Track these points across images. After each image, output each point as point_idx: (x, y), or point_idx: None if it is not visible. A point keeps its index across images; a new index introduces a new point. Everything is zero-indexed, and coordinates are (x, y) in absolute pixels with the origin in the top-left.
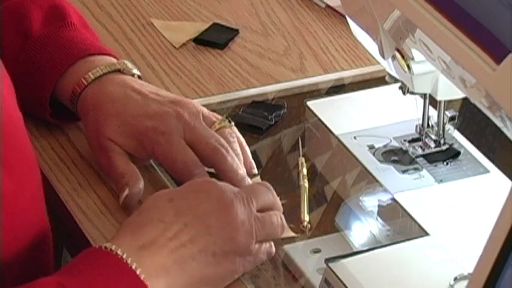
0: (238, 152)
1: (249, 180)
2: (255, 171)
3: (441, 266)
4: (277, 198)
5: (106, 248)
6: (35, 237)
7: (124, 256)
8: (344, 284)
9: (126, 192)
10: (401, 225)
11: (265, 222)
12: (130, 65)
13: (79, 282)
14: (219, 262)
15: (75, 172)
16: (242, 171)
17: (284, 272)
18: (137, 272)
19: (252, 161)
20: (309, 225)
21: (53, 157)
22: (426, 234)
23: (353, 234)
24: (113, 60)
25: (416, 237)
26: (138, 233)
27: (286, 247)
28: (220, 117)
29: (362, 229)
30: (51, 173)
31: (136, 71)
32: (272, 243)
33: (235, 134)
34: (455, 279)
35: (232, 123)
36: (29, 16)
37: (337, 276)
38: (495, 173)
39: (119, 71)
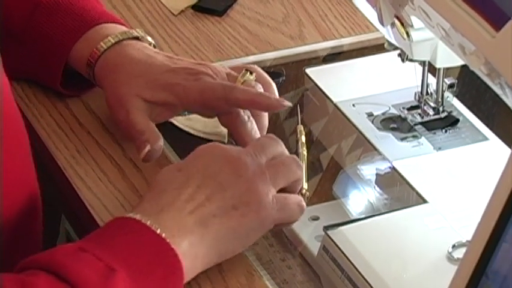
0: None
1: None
2: (287, 103)
3: (439, 233)
4: (285, 149)
5: (126, 217)
6: (26, 207)
7: (144, 220)
8: (342, 251)
9: (148, 148)
10: (399, 192)
11: (277, 167)
12: (145, 33)
13: (101, 247)
14: (243, 213)
15: (73, 139)
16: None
17: (283, 240)
18: (158, 232)
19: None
20: (308, 193)
21: (51, 124)
22: (425, 201)
23: (351, 202)
24: (127, 28)
25: (414, 205)
26: (154, 202)
27: None
28: (238, 71)
29: (360, 197)
30: (49, 140)
31: (151, 40)
32: (302, 199)
33: (259, 85)
34: (453, 246)
35: (254, 74)
36: None
37: (335, 244)
38: (494, 140)
39: (137, 38)
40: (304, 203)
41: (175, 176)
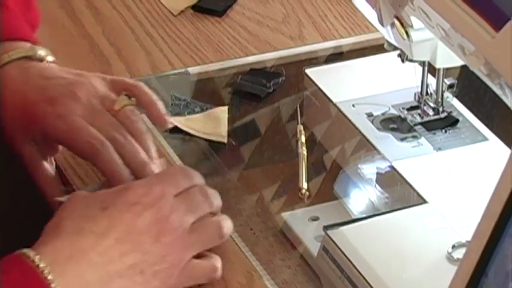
0: (141, 131)
1: (151, 167)
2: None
3: (439, 233)
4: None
5: (29, 257)
6: None
7: (46, 271)
8: (342, 252)
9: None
10: (399, 193)
11: (202, 234)
12: (43, 52)
13: None
14: (147, 281)
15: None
16: (143, 156)
17: (282, 240)
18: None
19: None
20: (307, 193)
21: None
22: (425, 201)
23: (351, 202)
24: (28, 46)
25: (414, 205)
26: (68, 242)
27: (285, 215)
28: (119, 95)
29: (360, 197)
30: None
31: (49, 58)
32: (217, 267)
33: (136, 111)
34: (453, 247)
35: (133, 98)
36: None
37: (335, 244)
38: (493, 140)
39: (29, 57)
40: (219, 271)
41: (97, 216)
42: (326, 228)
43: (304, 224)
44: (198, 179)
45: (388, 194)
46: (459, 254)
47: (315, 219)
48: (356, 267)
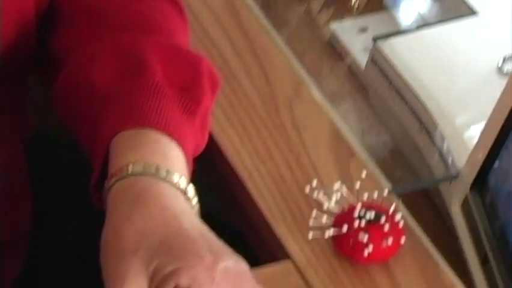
0: None
1: None
2: None
3: (489, 46)
4: None
5: None
6: None
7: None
8: (390, 63)
9: None
10: (449, 3)
11: None
12: (176, 176)
13: None
14: None
15: None
16: None
17: (330, 51)
18: None
19: None
20: (357, 3)
21: None
22: (475, 13)
23: (401, 12)
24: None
25: (464, 16)
26: None
27: (333, 25)
28: None
29: (410, 8)
30: None
31: (182, 185)
32: None
33: None
34: (504, 60)
35: None
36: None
37: (384, 55)
38: None
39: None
40: None
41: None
42: (375, 39)
43: (353, 35)
44: None
45: (439, 4)
46: (509, 66)
47: (364, 30)
48: (404, 79)
